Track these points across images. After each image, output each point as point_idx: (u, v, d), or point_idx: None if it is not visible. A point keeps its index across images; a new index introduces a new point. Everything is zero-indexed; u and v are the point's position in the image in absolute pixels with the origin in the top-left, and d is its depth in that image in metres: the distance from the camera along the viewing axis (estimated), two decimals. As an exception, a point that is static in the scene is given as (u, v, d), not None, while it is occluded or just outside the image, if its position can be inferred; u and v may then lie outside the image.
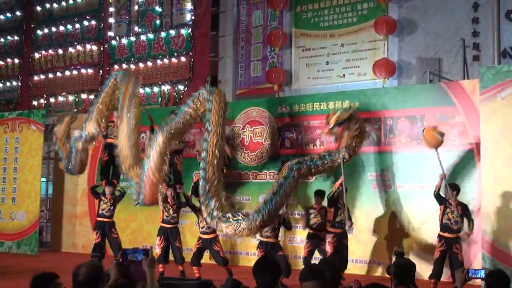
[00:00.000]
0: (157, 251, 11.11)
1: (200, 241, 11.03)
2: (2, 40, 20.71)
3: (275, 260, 4.72)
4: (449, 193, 10.07)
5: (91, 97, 18.30)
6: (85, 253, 12.73)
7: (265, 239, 10.56)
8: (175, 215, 11.31)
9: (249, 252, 12.70)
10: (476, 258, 10.50)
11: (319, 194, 11.06)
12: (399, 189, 11.45)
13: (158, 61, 17.09)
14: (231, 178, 13.13)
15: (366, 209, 11.69)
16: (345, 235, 10.75)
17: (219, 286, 5.41)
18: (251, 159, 13.16)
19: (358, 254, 11.61)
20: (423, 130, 10.54)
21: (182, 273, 10.99)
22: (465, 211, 10.02)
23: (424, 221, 11.02)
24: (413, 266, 5.11)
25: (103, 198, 12.10)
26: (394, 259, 8.25)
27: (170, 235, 11.25)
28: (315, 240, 10.88)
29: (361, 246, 11.65)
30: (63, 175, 15.94)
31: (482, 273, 4.84)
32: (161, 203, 11.21)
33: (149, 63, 17.28)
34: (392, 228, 11.49)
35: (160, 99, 16.99)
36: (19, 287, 9.86)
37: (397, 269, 4.96)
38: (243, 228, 9.45)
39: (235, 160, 13.30)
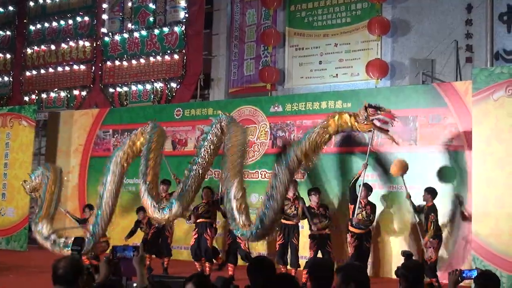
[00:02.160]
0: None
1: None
2: (-6, 35, 20.64)
3: (270, 260, 4.70)
4: (425, 196, 10.27)
5: (83, 93, 18.26)
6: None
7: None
8: None
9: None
10: (467, 260, 10.50)
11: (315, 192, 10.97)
12: (390, 190, 11.42)
13: (151, 58, 17.03)
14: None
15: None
16: (368, 236, 10.56)
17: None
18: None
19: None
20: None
21: (165, 270, 11.16)
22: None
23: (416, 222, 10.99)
24: (421, 267, 5.07)
25: None
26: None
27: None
28: (320, 240, 10.61)
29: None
30: (53, 171, 15.90)
31: (475, 274, 4.81)
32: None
33: (142, 60, 17.22)
34: (386, 229, 11.47)
35: (152, 96, 16.94)
36: (7, 283, 9.81)
37: (405, 270, 4.91)
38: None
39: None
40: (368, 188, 10.57)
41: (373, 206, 10.60)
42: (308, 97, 12.93)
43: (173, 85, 16.54)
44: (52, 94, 19.00)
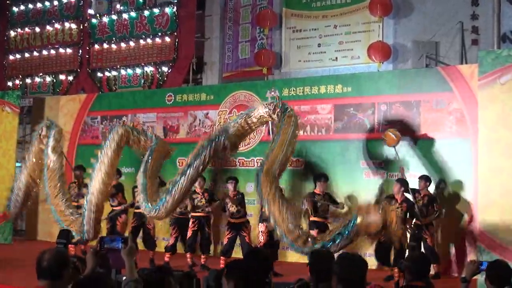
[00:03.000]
0: None
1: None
2: (-24, 16, 20.50)
3: (265, 252, 4.70)
4: (421, 184, 10.50)
5: (70, 78, 18.19)
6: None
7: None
8: None
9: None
10: (472, 251, 10.53)
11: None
12: (392, 178, 11.42)
13: (141, 41, 16.95)
14: (217, 165, 13.08)
15: (358, 199, 11.64)
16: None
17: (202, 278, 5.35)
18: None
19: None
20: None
21: (152, 261, 11.26)
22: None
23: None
24: (428, 259, 5.06)
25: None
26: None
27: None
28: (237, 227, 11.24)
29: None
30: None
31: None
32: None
33: (132, 43, 17.13)
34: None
35: (142, 81, 16.87)
36: (-9, 277, 9.80)
37: (411, 263, 4.90)
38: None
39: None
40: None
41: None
42: (306, 81, 12.90)
43: (164, 69, 16.47)
44: (37, 79, 18.90)
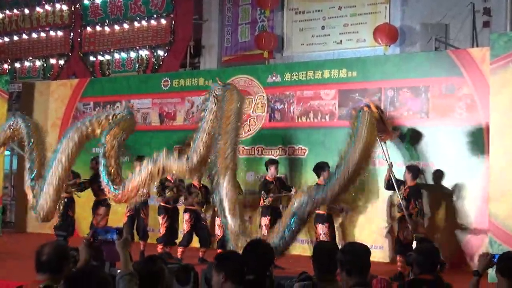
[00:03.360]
0: None
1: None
2: (-39, -3, 20.43)
3: (266, 244, 4.70)
4: (406, 175, 10.34)
5: (61, 62, 18.15)
6: (53, 234, 12.63)
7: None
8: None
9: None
10: (483, 243, 10.53)
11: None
12: (400, 167, 11.39)
13: (136, 24, 16.91)
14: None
15: (363, 189, 11.64)
16: None
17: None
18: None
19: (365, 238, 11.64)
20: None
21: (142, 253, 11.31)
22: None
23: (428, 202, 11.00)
24: (437, 251, 5.05)
25: None
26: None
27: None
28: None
29: (357, 228, 11.69)
30: (29, 148, 15.82)
31: None
32: None
33: (126, 26, 17.09)
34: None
35: (137, 65, 16.85)
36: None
37: (419, 255, 4.88)
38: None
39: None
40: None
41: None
42: (310, 65, 12.87)
43: (160, 52, 16.44)
44: (27, 63, 18.88)
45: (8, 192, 17.68)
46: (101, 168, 9.54)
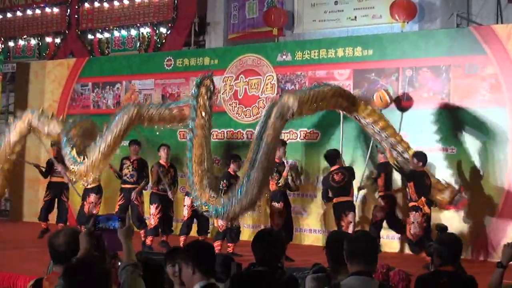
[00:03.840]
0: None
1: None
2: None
3: (278, 233, 4.70)
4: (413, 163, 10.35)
5: (57, 41, 18.14)
6: (50, 223, 12.69)
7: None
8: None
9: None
10: (506, 233, 10.53)
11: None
12: (419, 151, 11.36)
13: (136, -1, 16.90)
14: (222, 138, 13.08)
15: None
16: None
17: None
18: (246, 115, 13.09)
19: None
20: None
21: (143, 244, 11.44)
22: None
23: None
24: (460, 241, 5.04)
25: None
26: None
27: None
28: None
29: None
30: (24, 132, 15.85)
31: None
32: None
33: (126, 2, 17.05)
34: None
35: (138, 44, 16.82)
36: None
37: (441, 246, 4.87)
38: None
39: (227, 116, 13.24)
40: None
41: None
42: (322, 43, 12.85)
43: (163, 30, 16.40)
44: (21, 42, 18.86)
45: (2, 179, 17.74)
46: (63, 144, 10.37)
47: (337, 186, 10.59)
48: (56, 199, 12.86)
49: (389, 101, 11.24)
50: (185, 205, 11.53)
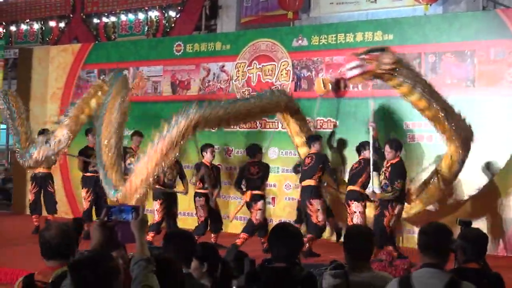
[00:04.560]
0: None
1: None
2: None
3: (295, 227, 4.72)
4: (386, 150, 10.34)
5: (61, 25, 18.21)
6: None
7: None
8: None
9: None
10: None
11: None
12: (443, 141, 11.37)
13: (144, -19, 16.94)
14: (234, 127, 13.11)
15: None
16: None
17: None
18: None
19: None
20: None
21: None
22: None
23: (474, 178, 10.98)
24: (485, 237, 5.06)
25: None
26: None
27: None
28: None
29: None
30: (27, 120, 15.92)
31: None
32: None
33: (133, -17, 17.11)
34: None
35: (146, 28, 16.87)
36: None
37: (465, 241, 4.90)
38: None
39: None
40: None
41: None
42: (340, 27, 12.82)
43: (172, 13, 16.45)
44: (23, 26, 18.95)
45: (4, 169, 17.88)
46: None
47: (252, 178, 11.09)
48: (42, 190, 12.95)
49: (329, 88, 11.77)
50: (197, 206, 11.47)
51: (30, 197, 13.03)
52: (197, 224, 11.40)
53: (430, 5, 13.40)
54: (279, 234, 4.53)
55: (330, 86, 11.68)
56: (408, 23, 12.13)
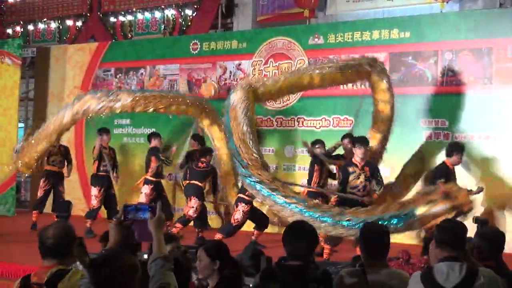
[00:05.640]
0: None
1: None
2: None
3: (310, 225, 4.71)
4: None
5: (78, 24, 18.26)
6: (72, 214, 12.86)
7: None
8: None
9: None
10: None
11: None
12: (459, 139, 11.34)
13: (161, -21, 16.95)
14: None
15: (417, 164, 11.62)
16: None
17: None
18: (275, 101, 13.10)
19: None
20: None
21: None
22: None
23: (491, 178, 10.93)
24: (502, 235, 5.05)
25: None
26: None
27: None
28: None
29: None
30: (44, 120, 15.89)
31: None
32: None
33: (150, -18, 17.13)
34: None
35: (163, 27, 16.88)
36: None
37: (483, 240, 4.89)
38: None
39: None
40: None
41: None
42: (356, 25, 12.81)
43: (188, 12, 16.44)
44: (41, 25, 19.01)
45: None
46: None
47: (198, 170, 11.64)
48: (53, 189, 12.94)
49: (215, 92, 13.45)
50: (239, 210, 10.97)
51: (39, 193, 13.02)
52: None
53: (447, 2, 13.33)
54: (294, 232, 4.54)
55: (214, 92, 13.38)
56: (425, 21, 12.09)
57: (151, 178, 12.12)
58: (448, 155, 10.10)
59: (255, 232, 11.13)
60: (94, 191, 12.45)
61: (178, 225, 11.23)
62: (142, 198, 12.00)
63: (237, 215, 10.74)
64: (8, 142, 15.49)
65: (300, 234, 4.50)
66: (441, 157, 10.73)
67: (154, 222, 3.85)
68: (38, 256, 4.15)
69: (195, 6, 16.32)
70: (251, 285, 5.27)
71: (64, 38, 18.42)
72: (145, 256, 4.14)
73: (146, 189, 12.13)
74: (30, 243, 10.71)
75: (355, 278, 4.57)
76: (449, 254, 4.24)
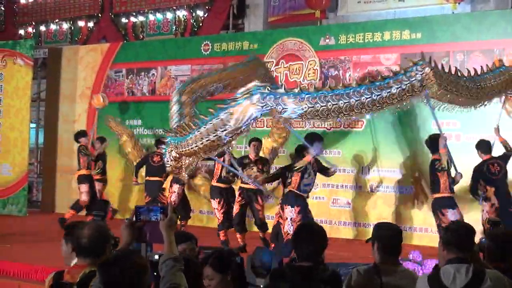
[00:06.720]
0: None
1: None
2: (-20, -46, 20.71)
3: (320, 226, 4.72)
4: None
5: (90, 25, 18.32)
6: (82, 215, 12.87)
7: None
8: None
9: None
10: None
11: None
12: (470, 141, 11.31)
13: (172, -20, 16.97)
14: (261, 126, 13.13)
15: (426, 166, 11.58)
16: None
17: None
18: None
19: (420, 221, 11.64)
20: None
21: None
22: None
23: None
24: None
25: None
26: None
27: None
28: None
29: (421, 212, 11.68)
30: (56, 120, 16.13)
31: None
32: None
33: (161, -17, 17.16)
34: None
35: (174, 27, 16.91)
36: (5, 254, 10.07)
37: (493, 242, 4.88)
38: None
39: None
40: None
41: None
42: (368, 26, 12.82)
43: (200, 13, 16.47)
44: (53, 26, 19.07)
45: (34, 168, 18.01)
46: None
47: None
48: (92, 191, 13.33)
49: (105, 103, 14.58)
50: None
51: (84, 197, 13.10)
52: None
53: (458, 3, 13.32)
54: (304, 233, 4.56)
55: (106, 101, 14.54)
56: (436, 22, 12.09)
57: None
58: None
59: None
60: (85, 187, 13.24)
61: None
62: (173, 198, 12.13)
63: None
64: (20, 142, 15.57)
65: (309, 236, 4.52)
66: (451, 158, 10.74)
67: (166, 223, 3.88)
68: (49, 256, 4.19)
69: (207, 7, 16.35)
70: (262, 286, 5.28)
71: (76, 39, 18.48)
72: (156, 257, 4.16)
73: (176, 188, 12.22)
74: (42, 243, 10.81)
75: (366, 278, 4.63)
76: (456, 256, 4.31)
